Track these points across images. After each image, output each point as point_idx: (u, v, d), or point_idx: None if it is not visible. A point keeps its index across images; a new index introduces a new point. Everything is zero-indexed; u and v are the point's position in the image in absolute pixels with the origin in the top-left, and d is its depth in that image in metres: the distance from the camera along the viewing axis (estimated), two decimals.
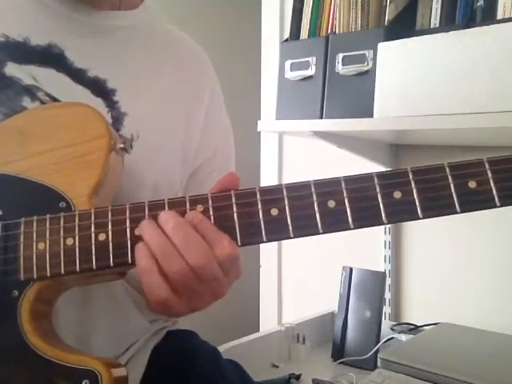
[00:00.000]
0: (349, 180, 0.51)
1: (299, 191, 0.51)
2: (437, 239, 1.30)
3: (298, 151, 1.59)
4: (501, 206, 0.48)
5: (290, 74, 1.29)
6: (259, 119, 1.45)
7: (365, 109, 1.08)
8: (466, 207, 0.49)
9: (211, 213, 0.52)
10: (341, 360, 1.20)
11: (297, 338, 1.24)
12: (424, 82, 1.00)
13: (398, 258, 1.37)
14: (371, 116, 1.06)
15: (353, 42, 1.18)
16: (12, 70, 0.65)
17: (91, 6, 0.70)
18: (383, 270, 1.32)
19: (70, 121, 0.60)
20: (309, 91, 1.26)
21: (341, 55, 1.20)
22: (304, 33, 1.30)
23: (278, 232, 0.51)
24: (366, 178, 0.51)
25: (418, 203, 0.49)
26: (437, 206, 0.49)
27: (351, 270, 1.25)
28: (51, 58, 0.67)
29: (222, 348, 0.97)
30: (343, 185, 0.51)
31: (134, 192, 0.66)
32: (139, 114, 0.70)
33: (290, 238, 0.51)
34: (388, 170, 0.52)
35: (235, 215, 0.52)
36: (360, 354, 1.17)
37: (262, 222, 0.51)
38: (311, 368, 1.17)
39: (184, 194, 0.76)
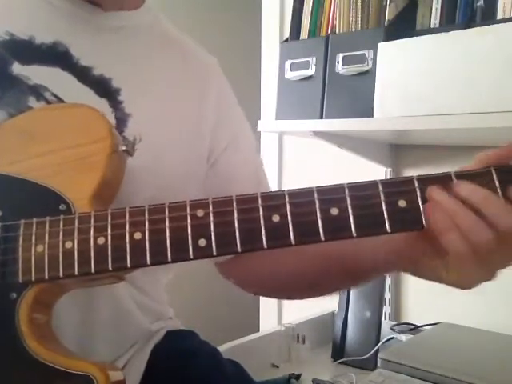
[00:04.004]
0: (353, 187, 0.49)
1: (301, 198, 0.50)
2: None
3: (298, 151, 1.59)
4: None
5: (290, 74, 1.29)
6: (259, 119, 1.45)
7: (365, 109, 1.08)
8: None
9: (211, 218, 0.51)
10: (341, 360, 1.20)
11: (297, 338, 1.24)
12: (424, 82, 1.00)
13: None
14: (371, 116, 1.06)
15: (353, 42, 1.18)
16: (18, 69, 0.64)
17: (96, 5, 0.70)
18: None
19: (73, 122, 0.59)
20: (309, 91, 1.26)
21: (341, 55, 1.20)
22: (304, 33, 1.30)
23: (279, 239, 0.50)
24: (371, 185, 0.49)
25: (423, 213, 0.48)
26: None
27: None
28: (56, 56, 0.66)
29: (221, 348, 0.96)
30: (347, 192, 0.49)
31: (133, 195, 0.65)
32: (143, 115, 0.69)
33: (292, 245, 0.49)
34: (393, 177, 0.50)
35: (236, 221, 0.50)
36: (360, 354, 1.17)
37: (262, 229, 0.50)
38: (311, 368, 1.17)
39: (204, 188, 0.74)
